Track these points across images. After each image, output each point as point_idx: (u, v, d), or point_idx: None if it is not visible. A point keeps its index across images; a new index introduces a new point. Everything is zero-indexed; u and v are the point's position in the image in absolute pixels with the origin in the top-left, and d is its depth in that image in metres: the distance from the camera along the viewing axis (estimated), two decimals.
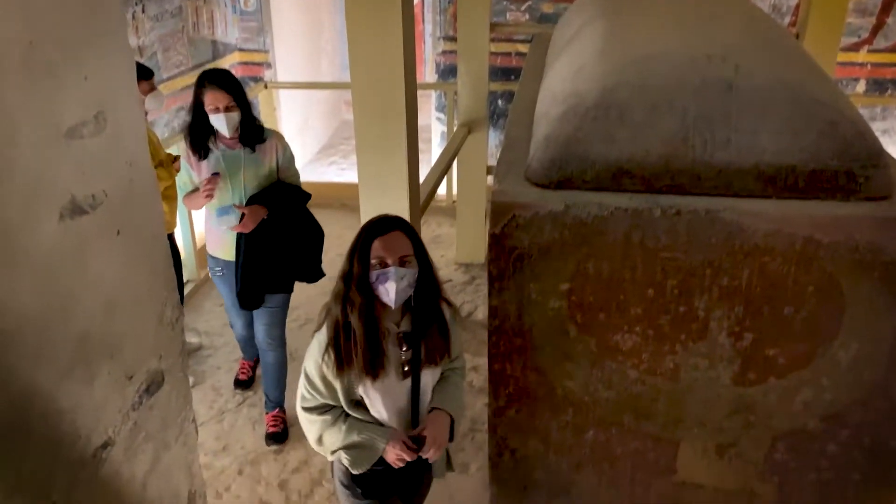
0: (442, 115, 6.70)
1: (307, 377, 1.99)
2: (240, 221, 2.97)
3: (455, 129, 5.10)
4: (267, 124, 6.97)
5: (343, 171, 7.39)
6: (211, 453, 3.29)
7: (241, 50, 6.67)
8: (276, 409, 3.37)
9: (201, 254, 5.39)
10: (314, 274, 3.25)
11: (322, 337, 1.96)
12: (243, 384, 3.75)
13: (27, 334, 0.76)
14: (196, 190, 3.05)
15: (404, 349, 1.96)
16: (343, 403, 1.97)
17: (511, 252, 1.99)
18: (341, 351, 1.90)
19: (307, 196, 3.20)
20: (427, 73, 7.19)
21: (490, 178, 5.01)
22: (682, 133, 1.91)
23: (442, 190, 6.14)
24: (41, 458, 0.78)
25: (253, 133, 3.02)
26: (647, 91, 1.96)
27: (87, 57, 0.76)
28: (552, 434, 2.19)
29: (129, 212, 0.87)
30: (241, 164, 3.00)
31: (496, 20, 5.69)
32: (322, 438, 2.00)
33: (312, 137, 7.93)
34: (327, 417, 1.98)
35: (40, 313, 0.77)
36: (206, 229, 3.21)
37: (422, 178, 3.35)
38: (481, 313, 4.40)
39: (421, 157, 3.04)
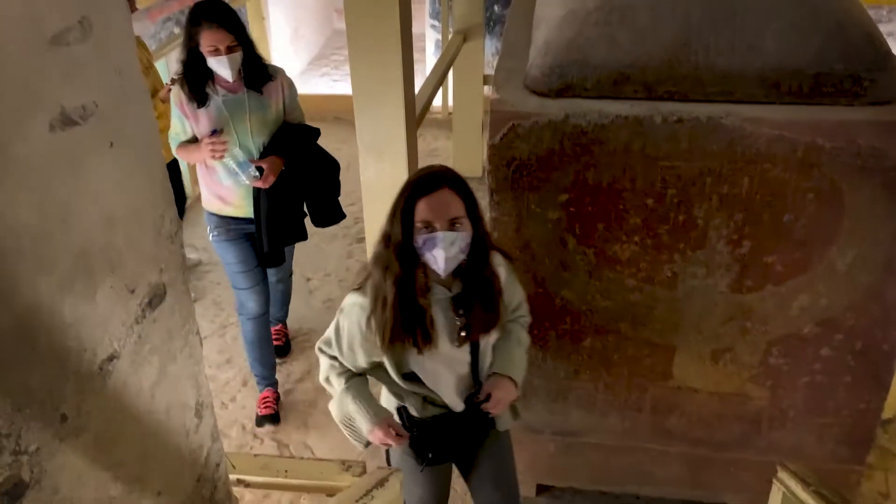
0: (436, 23, 6.50)
1: (337, 332, 1.80)
2: (260, 176, 2.61)
3: (450, 37, 4.96)
4: (256, 36, 6.79)
5: (336, 83, 7.24)
6: (215, 366, 3.35)
7: None
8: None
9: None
10: (336, 216, 2.95)
11: (364, 301, 1.73)
12: (270, 419, 3.00)
13: (26, 247, 0.76)
14: (193, 141, 2.69)
15: (459, 314, 1.73)
16: (394, 376, 1.80)
17: (510, 163, 1.97)
18: (384, 324, 1.69)
19: (317, 133, 2.86)
20: None
21: (487, 88, 4.92)
22: (684, 37, 1.85)
23: (437, 101, 6.04)
24: (48, 371, 0.79)
25: (258, 74, 2.65)
26: None
27: None
28: (550, 342, 2.22)
29: (122, 122, 0.85)
30: (246, 110, 2.65)
31: None
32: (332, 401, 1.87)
33: (303, 48, 7.73)
34: (341, 380, 1.83)
35: (38, 226, 0.76)
36: (206, 185, 2.79)
37: (416, 89, 3.28)
38: None
39: (416, 67, 2.96)
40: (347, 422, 1.82)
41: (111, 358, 0.85)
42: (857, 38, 1.84)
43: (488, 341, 1.82)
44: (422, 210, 1.63)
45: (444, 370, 1.80)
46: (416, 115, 3.02)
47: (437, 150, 5.53)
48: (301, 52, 7.69)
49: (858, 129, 1.81)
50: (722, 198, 1.91)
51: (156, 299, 0.94)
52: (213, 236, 2.86)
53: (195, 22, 2.54)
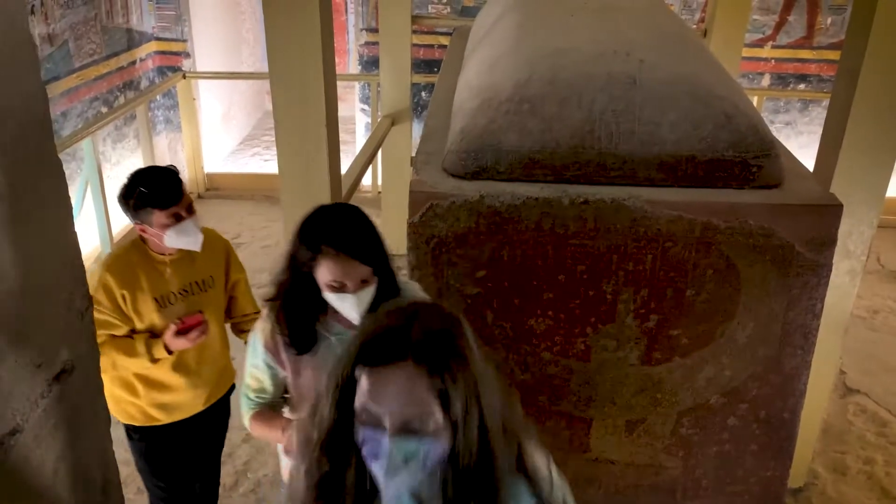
0: (366, 107, 6.70)
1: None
2: None
3: (379, 120, 5.12)
4: (185, 115, 6.80)
5: (266, 163, 7.30)
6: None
7: (157, 39, 6.50)
8: None
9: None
10: None
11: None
12: None
13: None
14: (275, 407, 1.98)
15: None
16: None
17: (429, 241, 2.04)
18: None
19: None
20: (351, 63, 7.17)
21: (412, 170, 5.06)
22: (589, 125, 1.99)
23: (367, 181, 6.16)
24: None
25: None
26: (557, 85, 2.04)
27: None
28: None
29: (35, 200, 0.87)
30: None
31: (418, 12, 5.72)
32: None
33: (234, 128, 7.80)
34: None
35: None
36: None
37: (345, 170, 3.36)
38: None
39: (345, 148, 3.05)
40: None
41: (13, 432, 0.85)
42: (745, 127, 2.01)
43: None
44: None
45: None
46: (344, 193, 3.09)
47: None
48: (232, 132, 7.75)
49: (749, 211, 1.96)
50: (628, 274, 2.02)
51: (63, 374, 0.95)
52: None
53: (313, 247, 1.73)
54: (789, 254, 1.99)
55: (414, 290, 1.94)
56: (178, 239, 2.29)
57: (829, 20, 6.04)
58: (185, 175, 6.68)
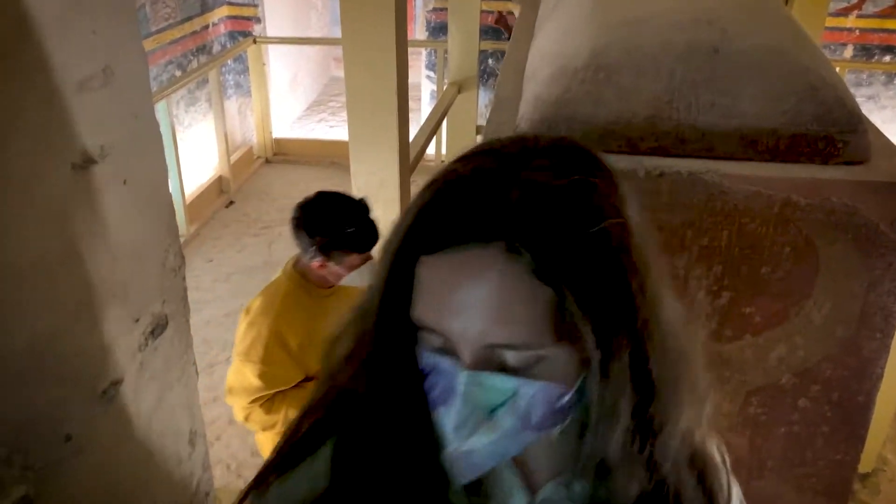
0: (432, 74, 6.68)
1: None
2: None
3: (445, 87, 5.10)
4: (255, 80, 6.94)
5: (332, 129, 7.37)
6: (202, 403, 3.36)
7: (229, 3, 6.59)
8: None
9: (191, 208, 5.41)
10: None
11: None
12: None
13: (40, 278, 0.81)
14: None
15: None
16: None
17: None
18: None
19: None
20: (417, 30, 7.14)
21: (479, 138, 5.04)
22: (667, 96, 1.95)
23: (431, 149, 6.16)
24: (55, 393, 0.84)
25: None
26: (635, 53, 1.99)
27: (95, 13, 0.80)
28: None
29: (135, 162, 0.91)
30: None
31: None
32: None
33: (301, 94, 7.89)
34: None
35: (54, 258, 0.81)
36: None
37: (411, 137, 3.37)
38: None
39: (410, 115, 3.06)
40: None
41: (115, 383, 0.90)
42: (831, 100, 1.94)
43: None
44: None
45: None
46: (410, 161, 3.11)
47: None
48: (300, 97, 7.84)
49: (832, 188, 1.90)
50: (702, 250, 1.98)
51: (158, 329, 0.99)
52: None
53: None
54: (872, 233, 1.92)
55: None
56: (354, 277, 2.15)
57: None
58: (254, 139, 6.81)
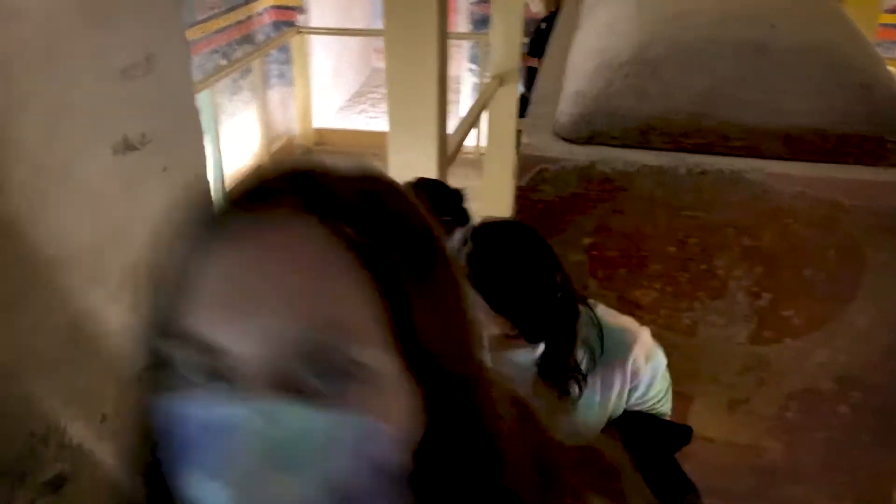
0: (475, 67, 6.66)
1: None
2: None
3: (486, 80, 5.08)
4: (298, 70, 6.97)
5: (372, 120, 7.40)
6: None
7: None
8: None
9: None
10: None
11: None
12: None
13: (83, 260, 0.83)
14: None
15: None
16: None
17: (536, 205, 2.03)
18: None
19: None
20: (461, 22, 7.13)
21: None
22: (711, 92, 1.91)
23: (471, 142, 6.15)
24: (93, 374, 0.86)
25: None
26: (680, 48, 1.96)
27: (139, 2, 0.81)
28: None
29: (175, 150, 0.92)
30: None
31: None
32: None
33: (343, 84, 7.93)
34: None
35: (94, 241, 0.83)
36: None
37: (451, 130, 3.37)
38: None
39: (450, 108, 3.06)
40: None
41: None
42: (883, 100, 1.88)
43: None
44: None
45: None
46: (449, 153, 3.10)
47: (467, 189, 5.61)
48: (341, 88, 7.89)
49: (881, 190, 1.85)
50: (743, 250, 1.95)
51: None
52: None
53: None
54: None
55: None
56: None
57: None
58: (296, 129, 6.87)
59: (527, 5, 4.92)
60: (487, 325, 1.25)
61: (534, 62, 5.58)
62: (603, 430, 1.55)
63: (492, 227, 1.32)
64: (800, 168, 1.88)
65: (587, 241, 2.03)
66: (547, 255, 1.34)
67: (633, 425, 1.60)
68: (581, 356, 1.43)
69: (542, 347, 1.38)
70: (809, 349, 2.05)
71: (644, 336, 1.55)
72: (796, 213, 1.89)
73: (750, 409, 2.16)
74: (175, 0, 0.90)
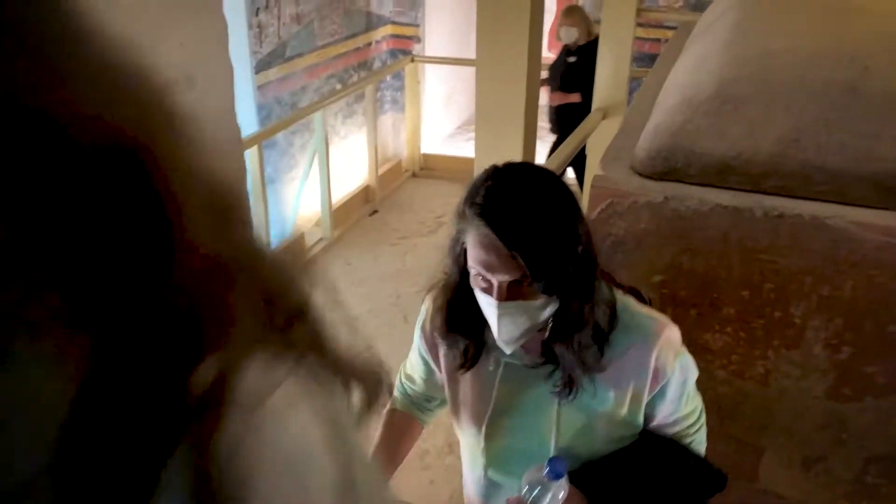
0: None
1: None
2: None
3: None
4: (409, 97, 7.16)
5: None
6: None
7: (393, 23, 6.88)
8: None
9: (336, 213, 5.69)
10: None
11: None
12: None
13: None
14: (417, 408, 1.62)
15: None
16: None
17: (606, 238, 2.01)
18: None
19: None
20: None
21: None
22: (795, 133, 1.84)
23: (572, 173, 6.10)
24: None
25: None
26: (765, 87, 1.90)
27: (184, 25, 0.88)
28: None
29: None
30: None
31: (647, 4, 5.55)
32: None
33: (455, 112, 8.09)
34: None
35: None
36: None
37: (545, 160, 3.38)
38: None
39: (549, 136, 3.07)
40: None
41: None
42: None
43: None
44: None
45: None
46: None
47: None
48: (452, 116, 8.04)
49: None
50: (822, 299, 1.85)
51: None
52: None
53: (460, 211, 1.26)
54: None
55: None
56: None
57: None
58: (403, 154, 7.05)
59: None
60: (500, 268, 1.18)
61: (564, 98, 5.34)
62: (623, 455, 1.38)
63: (514, 166, 1.25)
64: (887, 217, 1.77)
65: (657, 278, 1.99)
66: (570, 201, 1.22)
67: (660, 454, 1.41)
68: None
69: (555, 305, 1.24)
70: (894, 411, 1.91)
71: (674, 331, 1.36)
72: (882, 264, 1.78)
73: (826, 468, 2.03)
74: (222, 24, 0.98)
